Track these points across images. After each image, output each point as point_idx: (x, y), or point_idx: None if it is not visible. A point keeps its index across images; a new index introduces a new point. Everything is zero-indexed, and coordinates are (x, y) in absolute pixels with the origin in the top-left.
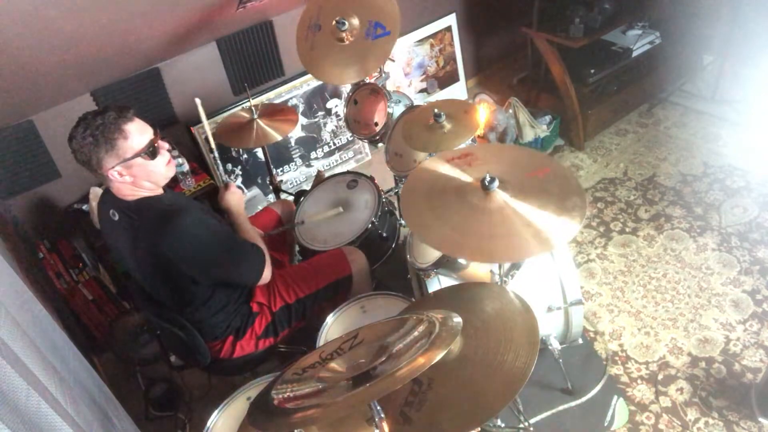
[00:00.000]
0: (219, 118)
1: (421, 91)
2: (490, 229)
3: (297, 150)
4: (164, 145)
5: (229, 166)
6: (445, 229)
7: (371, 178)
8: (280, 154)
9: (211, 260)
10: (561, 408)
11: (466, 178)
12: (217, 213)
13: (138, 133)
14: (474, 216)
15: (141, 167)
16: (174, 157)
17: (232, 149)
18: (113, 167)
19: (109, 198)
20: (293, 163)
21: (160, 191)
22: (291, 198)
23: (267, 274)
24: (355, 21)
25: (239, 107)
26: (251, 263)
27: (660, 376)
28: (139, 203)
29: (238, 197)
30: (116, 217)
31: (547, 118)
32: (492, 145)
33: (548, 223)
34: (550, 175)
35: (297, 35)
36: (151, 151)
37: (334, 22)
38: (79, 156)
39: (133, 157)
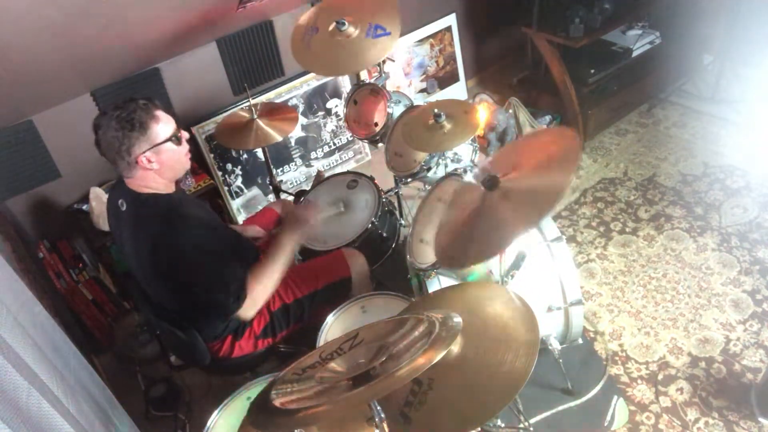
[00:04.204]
0: (219, 118)
1: (421, 91)
2: (511, 211)
3: (297, 150)
4: (185, 134)
5: (229, 166)
6: (479, 244)
7: (371, 178)
8: (280, 154)
9: (189, 277)
10: (561, 408)
11: (477, 192)
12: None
13: (166, 119)
14: (497, 213)
15: (169, 153)
16: None
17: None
18: (144, 152)
19: (120, 188)
20: (293, 163)
21: (173, 189)
22: (291, 198)
23: (248, 315)
24: (355, 24)
25: (239, 107)
26: (224, 302)
27: (660, 376)
28: (149, 198)
29: (302, 232)
30: (124, 207)
31: (547, 118)
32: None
33: (554, 177)
34: (552, 141)
35: (292, 39)
36: (177, 138)
37: (333, 25)
38: (108, 143)
39: (164, 142)
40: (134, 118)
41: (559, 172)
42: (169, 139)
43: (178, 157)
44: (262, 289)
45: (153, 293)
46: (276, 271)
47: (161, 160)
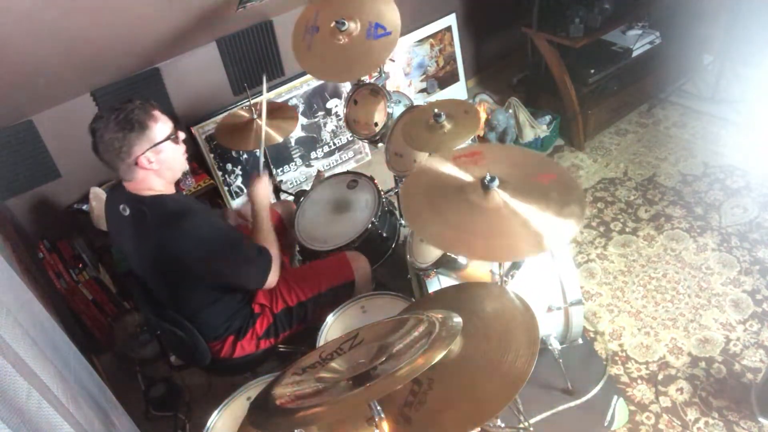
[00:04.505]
0: (219, 118)
1: (421, 91)
2: (487, 227)
3: (297, 150)
4: (182, 134)
5: (229, 166)
6: (442, 226)
7: (371, 178)
8: (280, 154)
9: (216, 263)
10: (561, 408)
11: (467, 176)
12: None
13: (163, 119)
14: (472, 214)
15: (168, 153)
16: None
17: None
18: (144, 152)
19: (120, 193)
20: (293, 163)
21: (173, 189)
22: (291, 198)
23: (272, 280)
24: (355, 23)
25: (239, 107)
26: (256, 268)
27: (660, 376)
28: (153, 199)
29: (266, 191)
30: (126, 212)
31: (547, 118)
32: (499, 146)
33: (545, 226)
34: (553, 181)
35: (293, 39)
36: (175, 137)
37: (333, 24)
38: (107, 146)
39: (163, 141)
40: (133, 118)
41: (554, 229)
42: (168, 138)
43: (177, 157)
44: (274, 250)
45: (161, 294)
46: (269, 230)
47: (161, 159)
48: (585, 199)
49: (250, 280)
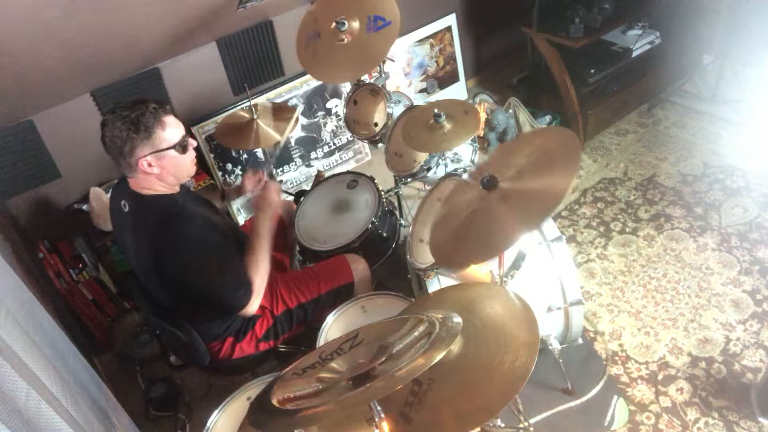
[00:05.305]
0: (219, 118)
1: (421, 91)
2: (510, 214)
3: (297, 150)
4: (193, 143)
5: (229, 165)
6: (480, 244)
7: (371, 178)
8: (280, 154)
9: (197, 277)
10: (561, 408)
11: (473, 193)
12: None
13: (174, 126)
14: (495, 215)
15: (171, 160)
16: None
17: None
18: (145, 156)
19: (123, 189)
20: (293, 163)
21: (177, 189)
22: (291, 198)
23: (250, 310)
24: (354, 20)
25: (239, 107)
26: (234, 295)
27: (660, 376)
28: (152, 199)
29: (275, 198)
30: (126, 208)
31: (547, 118)
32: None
33: (554, 180)
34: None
35: (297, 47)
36: (182, 146)
37: (333, 24)
38: (111, 142)
39: (166, 149)
40: (141, 121)
41: (559, 175)
42: (172, 147)
43: (181, 164)
44: (260, 281)
45: (158, 293)
46: (264, 258)
47: (162, 165)
48: (577, 139)
49: (221, 307)
